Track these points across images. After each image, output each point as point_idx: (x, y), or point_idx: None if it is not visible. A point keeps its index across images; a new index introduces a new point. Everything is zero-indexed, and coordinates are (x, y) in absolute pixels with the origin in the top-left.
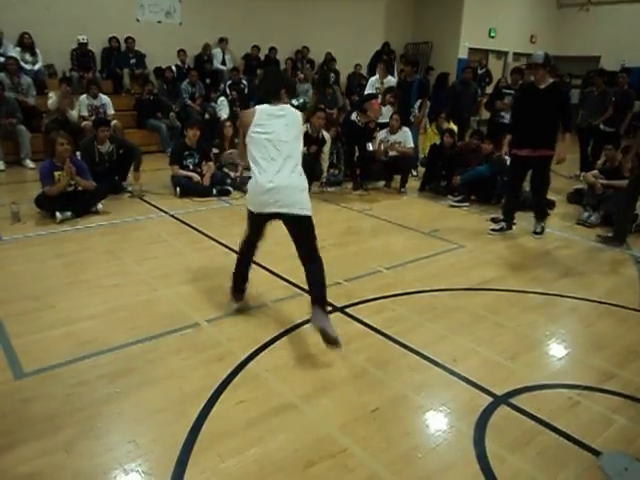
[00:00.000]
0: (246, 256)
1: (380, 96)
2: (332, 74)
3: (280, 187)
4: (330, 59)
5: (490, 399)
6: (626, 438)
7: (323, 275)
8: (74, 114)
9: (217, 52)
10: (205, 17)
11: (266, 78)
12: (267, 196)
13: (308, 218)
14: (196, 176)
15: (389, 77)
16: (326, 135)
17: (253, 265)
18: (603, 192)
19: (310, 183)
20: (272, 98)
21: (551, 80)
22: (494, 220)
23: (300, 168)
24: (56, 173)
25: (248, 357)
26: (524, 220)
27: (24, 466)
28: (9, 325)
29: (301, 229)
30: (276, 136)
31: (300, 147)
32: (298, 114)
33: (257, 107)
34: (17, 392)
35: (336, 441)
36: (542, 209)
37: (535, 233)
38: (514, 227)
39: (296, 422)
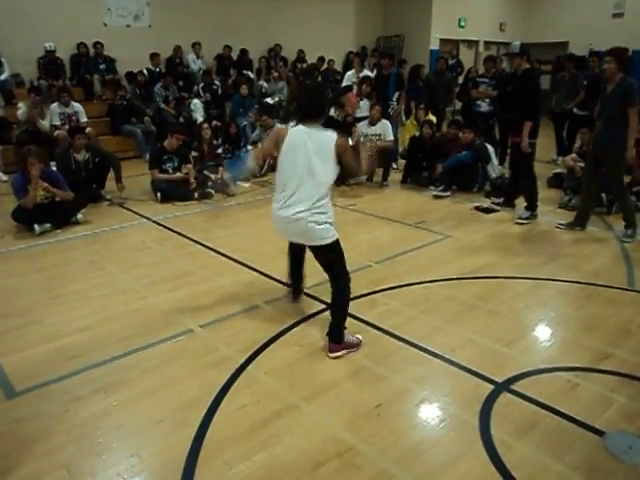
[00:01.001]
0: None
1: (355, 87)
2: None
3: None
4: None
5: (491, 387)
6: (627, 416)
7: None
8: (45, 124)
9: (192, 58)
10: (174, 19)
11: (311, 93)
12: None
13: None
14: (177, 175)
15: (365, 71)
16: None
17: (242, 267)
18: (582, 175)
19: None
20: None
21: (527, 66)
22: (478, 208)
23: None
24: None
25: (246, 360)
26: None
27: None
28: None
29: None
30: None
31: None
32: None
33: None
34: (10, 412)
35: (342, 440)
36: (529, 198)
37: (518, 218)
38: (502, 213)
39: (300, 423)
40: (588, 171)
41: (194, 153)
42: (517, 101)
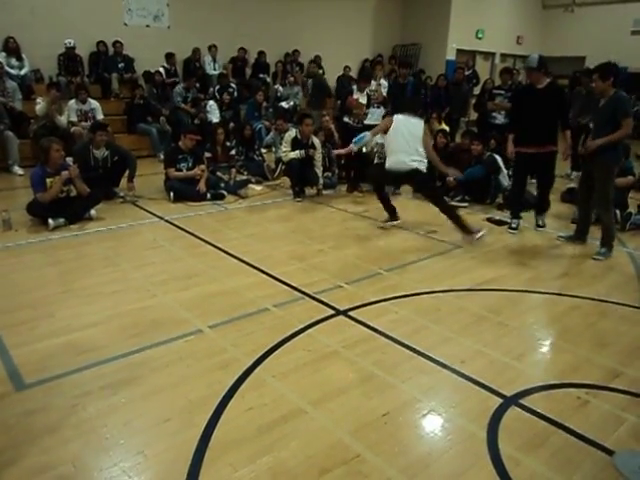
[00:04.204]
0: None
1: (355, 89)
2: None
3: None
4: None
5: (500, 400)
6: (637, 436)
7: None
8: (63, 120)
9: (208, 59)
10: (193, 21)
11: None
12: None
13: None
14: (195, 172)
15: (381, 80)
16: (316, 141)
17: (252, 269)
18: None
19: (303, 189)
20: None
21: (548, 80)
22: (490, 220)
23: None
24: (48, 180)
25: (254, 363)
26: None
27: None
28: (7, 335)
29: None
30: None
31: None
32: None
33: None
34: (19, 404)
35: (348, 447)
36: (546, 203)
37: (538, 226)
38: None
39: (307, 428)
40: (583, 185)
41: (207, 154)
42: (541, 115)
